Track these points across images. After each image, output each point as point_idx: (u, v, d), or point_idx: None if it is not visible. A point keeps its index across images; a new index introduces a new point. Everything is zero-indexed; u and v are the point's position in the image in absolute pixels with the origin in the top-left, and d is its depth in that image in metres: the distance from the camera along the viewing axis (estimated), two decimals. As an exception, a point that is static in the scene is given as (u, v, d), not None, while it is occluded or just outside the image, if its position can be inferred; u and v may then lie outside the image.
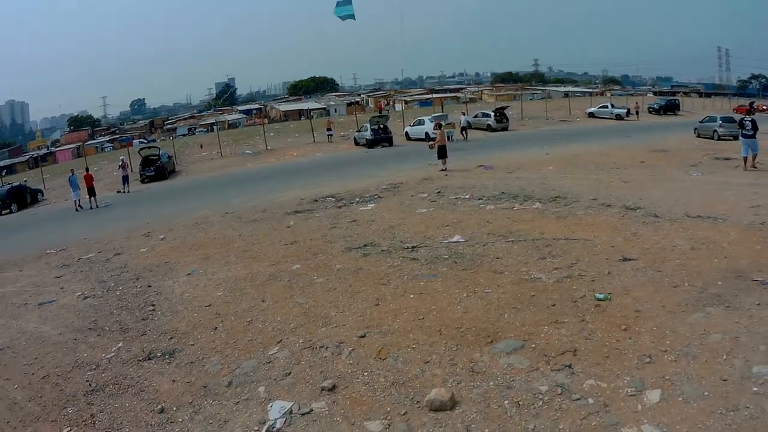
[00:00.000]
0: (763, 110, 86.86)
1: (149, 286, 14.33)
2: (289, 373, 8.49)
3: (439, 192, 22.65)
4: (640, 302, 9.44)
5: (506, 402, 7.05)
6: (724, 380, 7.00)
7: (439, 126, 35.72)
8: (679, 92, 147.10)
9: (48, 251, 21.87)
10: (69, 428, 8.09)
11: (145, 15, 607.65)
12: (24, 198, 46.86)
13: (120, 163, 45.59)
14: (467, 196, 21.09)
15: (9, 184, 50.52)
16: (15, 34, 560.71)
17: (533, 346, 8.28)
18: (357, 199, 23.17)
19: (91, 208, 35.08)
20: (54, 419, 8.40)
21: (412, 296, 10.82)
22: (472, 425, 6.71)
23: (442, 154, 31.48)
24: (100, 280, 15.92)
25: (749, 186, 20.40)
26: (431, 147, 33.50)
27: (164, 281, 14.56)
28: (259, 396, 8.05)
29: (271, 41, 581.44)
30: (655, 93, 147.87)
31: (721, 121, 46.60)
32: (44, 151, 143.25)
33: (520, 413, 6.83)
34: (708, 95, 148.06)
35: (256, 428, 7.31)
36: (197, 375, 8.99)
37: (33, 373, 10.05)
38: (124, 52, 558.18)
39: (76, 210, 35.35)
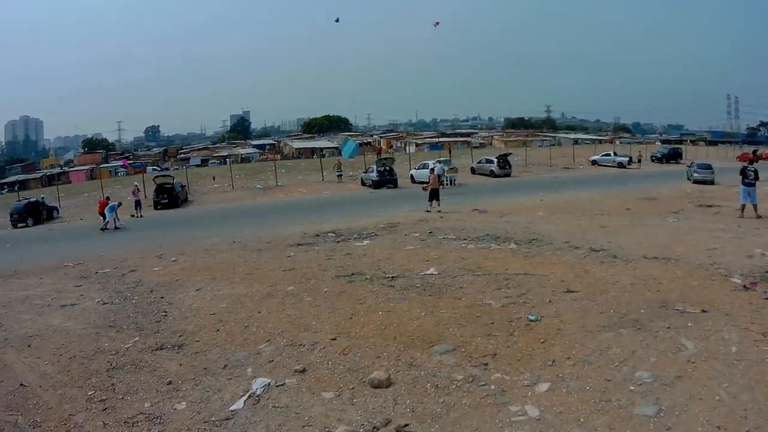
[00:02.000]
0: (767, 158, 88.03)
1: (162, 297, 16.06)
2: (272, 361, 10.53)
3: (430, 232, 24.03)
4: (565, 324, 11.20)
5: (428, 384, 9.01)
6: (608, 380, 8.74)
7: (432, 171, 37.44)
8: (686, 140, 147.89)
9: (66, 264, 23.53)
10: (93, 392, 9.95)
11: (163, 43, 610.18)
12: (39, 213, 48.80)
13: (133, 189, 47.16)
14: (453, 237, 22.55)
15: (26, 199, 52.16)
16: (33, 50, 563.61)
17: (463, 350, 10.15)
18: (355, 236, 24.58)
19: (101, 229, 36.12)
20: (80, 386, 10.26)
21: (380, 313, 12.64)
22: (399, 398, 8.68)
23: (434, 196, 33.23)
24: (117, 290, 17.60)
25: (716, 231, 21.94)
26: (425, 189, 35.22)
27: (175, 294, 16.26)
28: (247, 375, 10.07)
29: (288, 76, 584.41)
30: (663, 141, 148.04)
31: (696, 167, 53.39)
32: (58, 170, 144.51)
33: (436, 392, 8.77)
34: (714, 143, 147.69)
35: (241, 394, 9.33)
36: (200, 361, 10.94)
37: (61, 354, 11.91)
38: (140, 78, 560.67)
39: (102, 229, 36.38)
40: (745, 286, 13.61)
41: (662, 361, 9.36)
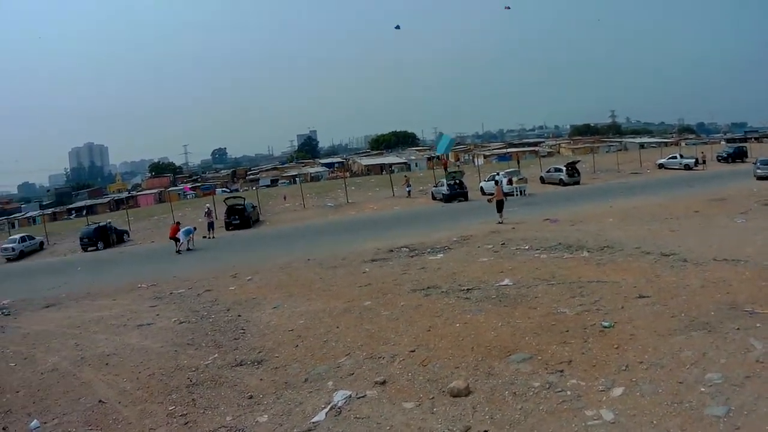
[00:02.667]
0: None
1: (239, 315, 16.68)
2: (352, 374, 11.03)
3: (503, 244, 24.23)
4: (638, 329, 11.54)
5: (506, 392, 9.47)
6: (680, 383, 9.08)
7: (496, 182, 37.77)
8: (751, 138, 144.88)
9: (139, 285, 24.46)
10: (174, 407, 10.60)
11: (227, 65, 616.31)
12: (109, 237, 50.23)
13: (206, 210, 47.88)
14: (526, 247, 22.80)
15: (96, 223, 53.48)
16: (95, 79, 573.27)
17: (540, 358, 10.56)
18: (428, 250, 24.87)
19: (177, 251, 36.95)
20: (160, 402, 10.93)
21: (458, 325, 13.07)
22: (478, 406, 9.15)
23: (500, 207, 33.68)
24: (193, 310, 18.30)
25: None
26: (489, 201, 35.55)
27: (252, 312, 16.85)
28: (328, 387, 10.59)
29: (353, 94, 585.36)
30: (727, 140, 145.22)
31: (759, 163, 53.03)
32: (125, 194, 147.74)
33: (514, 399, 9.22)
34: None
35: (323, 407, 9.85)
36: (280, 375, 11.48)
37: (140, 372, 12.58)
38: (205, 100, 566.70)
39: (177, 252, 37.28)
40: (817, 286, 13.59)
41: (732, 362, 9.60)
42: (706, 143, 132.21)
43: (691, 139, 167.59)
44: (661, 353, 10.26)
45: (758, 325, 11.14)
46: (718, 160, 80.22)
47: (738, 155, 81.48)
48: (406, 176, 67.30)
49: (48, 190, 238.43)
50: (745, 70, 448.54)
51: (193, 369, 12.37)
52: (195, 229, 41.25)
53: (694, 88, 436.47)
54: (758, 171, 52.07)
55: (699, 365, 9.64)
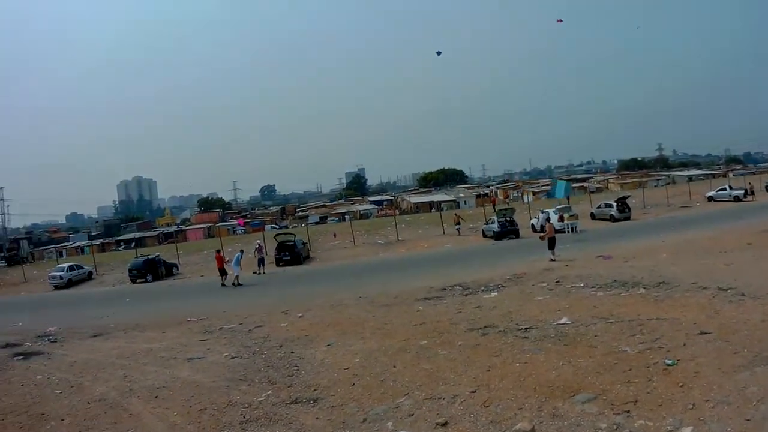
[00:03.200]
0: None
1: (292, 352, 16.63)
2: (412, 414, 10.87)
3: (557, 281, 24.15)
4: (701, 366, 11.41)
5: (573, 434, 9.39)
6: (747, 420, 8.95)
7: (547, 219, 37.88)
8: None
9: (188, 319, 24.75)
10: None
11: (275, 101, 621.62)
12: (158, 270, 51.22)
13: (256, 246, 48.26)
14: (582, 285, 22.68)
15: (145, 256, 54.79)
16: (145, 112, 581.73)
17: (604, 398, 10.43)
18: (482, 288, 24.81)
19: (222, 285, 37.55)
20: None
21: (517, 365, 12.98)
22: (546, 448, 9.04)
23: (551, 245, 33.75)
24: (244, 345, 18.32)
25: None
26: (542, 239, 35.57)
27: (306, 350, 16.79)
28: (387, 428, 10.44)
29: (401, 131, 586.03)
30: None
31: None
32: (174, 228, 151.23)
33: (582, 441, 9.14)
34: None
35: (382, 446, 9.75)
36: (337, 415, 11.34)
37: (191, 406, 12.52)
38: (253, 137, 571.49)
39: (234, 285, 37.81)
40: None
41: None
42: (753, 173, 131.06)
43: (738, 169, 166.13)
44: (726, 390, 10.13)
45: None
46: (767, 190, 79.28)
47: None
48: (456, 214, 67.36)
49: (96, 221, 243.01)
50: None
51: (246, 405, 12.30)
52: (242, 251, 42.20)
53: (740, 118, 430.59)
54: None
55: (765, 401, 9.50)
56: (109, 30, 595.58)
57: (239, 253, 40.51)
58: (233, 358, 16.68)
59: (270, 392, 13.03)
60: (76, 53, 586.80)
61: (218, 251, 42.19)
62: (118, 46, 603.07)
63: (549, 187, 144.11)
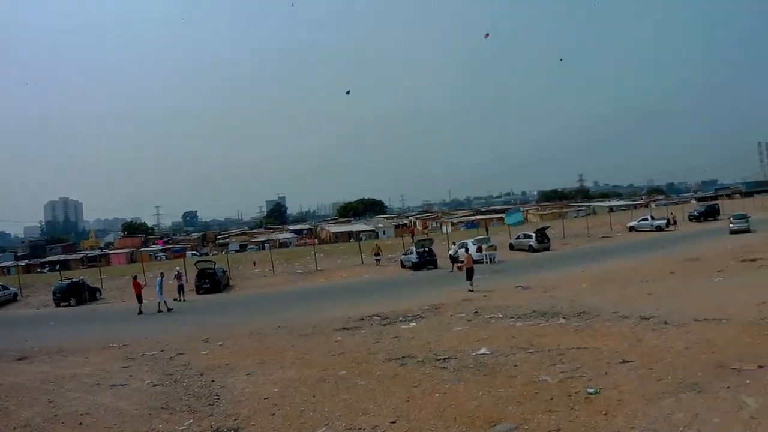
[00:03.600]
0: None
1: (213, 381, 16.10)
2: None
3: (476, 312, 23.98)
4: (625, 394, 11.15)
5: (495, 464, 8.91)
6: None
7: (466, 250, 37.98)
8: (722, 195, 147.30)
9: (111, 345, 24.18)
10: None
11: (198, 131, 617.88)
12: (82, 294, 50.09)
13: (176, 273, 47.33)
14: (500, 316, 22.55)
15: (69, 279, 53.42)
16: (72, 133, 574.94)
17: (526, 427, 10.04)
18: (400, 318, 24.55)
19: (140, 312, 36.96)
20: None
21: (437, 395, 12.56)
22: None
23: (469, 275, 33.89)
24: (166, 372, 17.78)
25: (764, 285, 22.25)
26: (459, 270, 35.62)
27: (226, 378, 16.28)
28: None
29: (321, 161, 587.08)
30: (698, 199, 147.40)
31: (732, 218, 60.86)
32: (98, 252, 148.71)
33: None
34: (750, 194, 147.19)
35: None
36: None
37: None
38: (178, 164, 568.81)
39: (159, 311, 37.52)
40: (800, 337, 13.62)
41: (726, 421, 9.37)
42: (676, 203, 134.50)
43: (661, 199, 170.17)
44: (651, 417, 9.87)
45: (748, 381, 10.98)
46: (690, 220, 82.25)
47: (710, 213, 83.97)
48: (377, 245, 67.20)
49: (23, 242, 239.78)
50: (715, 128, 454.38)
51: None
52: (162, 274, 41.74)
53: (662, 148, 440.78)
54: (732, 225, 58.04)
55: (692, 427, 9.32)
56: (31, 43, 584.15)
57: (159, 277, 40.14)
58: (155, 385, 16.19)
59: (191, 421, 12.57)
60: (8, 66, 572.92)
61: (135, 278, 41.79)
62: (47, 58, 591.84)
63: (468, 218, 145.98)
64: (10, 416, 14.00)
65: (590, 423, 9.97)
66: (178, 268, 50.69)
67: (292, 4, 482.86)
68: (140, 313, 37.12)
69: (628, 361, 13.57)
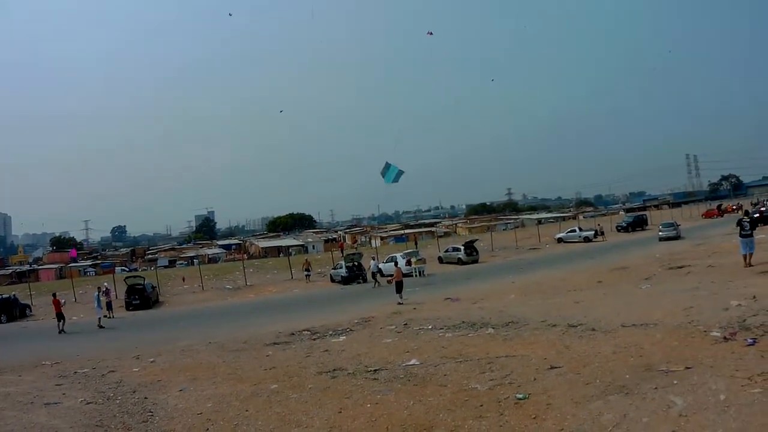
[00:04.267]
0: (732, 211, 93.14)
1: (146, 398, 15.87)
2: None
3: (405, 324, 24.05)
4: (553, 398, 11.30)
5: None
6: None
7: (395, 264, 38.30)
8: (650, 206, 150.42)
9: (43, 362, 23.72)
10: None
11: (126, 141, 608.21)
12: (12, 310, 49.37)
13: (103, 290, 46.86)
14: (430, 327, 22.59)
15: (0, 295, 52.35)
16: (4, 141, 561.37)
17: (457, 433, 10.07)
18: (330, 332, 24.53)
19: (60, 332, 35.99)
20: None
21: (369, 405, 12.60)
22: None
23: (399, 288, 34.07)
24: (99, 390, 17.46)
25: (690, 290, 22.61)
26: (389, 282, 35.81)
27: (159, 395, 16.09)
28: None
29: (251, 175, 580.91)
30: (626, 210, 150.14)
31: (661, 227, 63.69)
32: (27, 267, 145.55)
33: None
34: (678, 204, 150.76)
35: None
36: None
37: None
38: (106, 178, 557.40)
39: (99, 327, 37.34)
40: (725, 338, 14.20)
41: (654, 420, 9.54)
42: (604, 215, 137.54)
43: (589, 211, 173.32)
44: (580, 419, 10.03)
45: (675, 382, 11.21)
46: (618, 231, 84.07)
47: (638, 224, 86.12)
48: (307, 260, 67.05)
49: None
50: (642, 140, 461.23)
51: None
52: (99, 289, 42.87)
53: (590, 161, 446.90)
54: (660, 233, 60.64)
55: (621, 426, 9.49)
56: None
57: (97, 292, 40.26)
58: (88, 403, 15.92)
59: None
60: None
61: (54, 295, 40.69)
62: None
63: (397, 232, 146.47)
64: (-58, 439, 13.70)
65: (520, 427, 10.09)
66: (105, 283, 50.90)
67: (230, 14, 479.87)
68: (61, 332, 36.25)
69: (556, 367, 13.72)
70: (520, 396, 11.73)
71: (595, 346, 15.52)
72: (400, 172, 55.07)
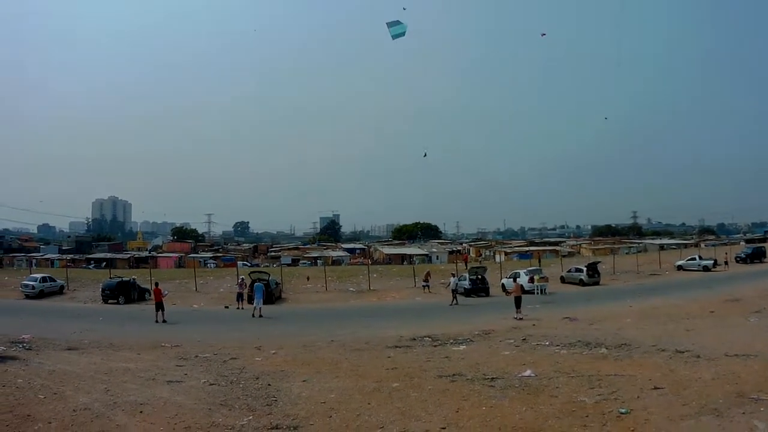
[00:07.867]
0: None
1: (269, 384, 17.00)
2: None
3: (524, 339, 24.95)
4: (652, 415, 12.44)
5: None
6: None
7: (514, 280, 39.04)
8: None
9: (162, 344, 25.21)
10: None
11: (256, 144, 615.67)
12: (130, 293, 51.73)
13: (239, 281, 49.03)
14: (547, 343, 23.53)
15: (119, 278, 55.52)
16: (130, 134, 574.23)
17: (563, 438, 11.34)
18: (451, 341, 25.48)
19: (156, 321, 36.45)
20: None
21: (484, 408, 13.82)
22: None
23: (518, 304, 34.83)
24: (221, 374, 18.64)
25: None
26: (507, 295, 36.60)
27: (282, 383, 17.19)
28: None
29: (379, 181, 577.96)
30: (746, 241, 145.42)
31: None
32: (146, 253, 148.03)
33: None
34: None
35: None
36: None
37: (176, 423, 12.84)
38: (233, 173, 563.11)
39: (253, 316, 39.10)
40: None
41: None
42: (725, 244, 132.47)
43: (711, 240, 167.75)
44: None
45: (762, 409, 12.27)
46: (737, 261, 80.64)
47: (756, 255, 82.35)
48: (428, 271, 66.89)
49: (68, 236, 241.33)
50: (763, 168, 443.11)
51: (230, 427, 12.61)
52: (242, 279, 46.03)
53: (715, 188, 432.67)
54: None
55: None
56: (114, 43, 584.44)
57: (259, 283, 42.17)
58: (212, 384, 17.03)
59: (251, 417, 13.43)
60: (78, 65, 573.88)
61: (156, 284, 42.23)
62: (122, 65, 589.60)
63: (522, 249, 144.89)
64: (68, 400, 14.78)
65: (620, 438, 11.18)
66: (242, 277, 51.96)
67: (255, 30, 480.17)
68: (158, 321, 36.54)
69: (659, 388, 14.77)
70: (623, 410, 12.83)
71: (697, 371, 16.46)
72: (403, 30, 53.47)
